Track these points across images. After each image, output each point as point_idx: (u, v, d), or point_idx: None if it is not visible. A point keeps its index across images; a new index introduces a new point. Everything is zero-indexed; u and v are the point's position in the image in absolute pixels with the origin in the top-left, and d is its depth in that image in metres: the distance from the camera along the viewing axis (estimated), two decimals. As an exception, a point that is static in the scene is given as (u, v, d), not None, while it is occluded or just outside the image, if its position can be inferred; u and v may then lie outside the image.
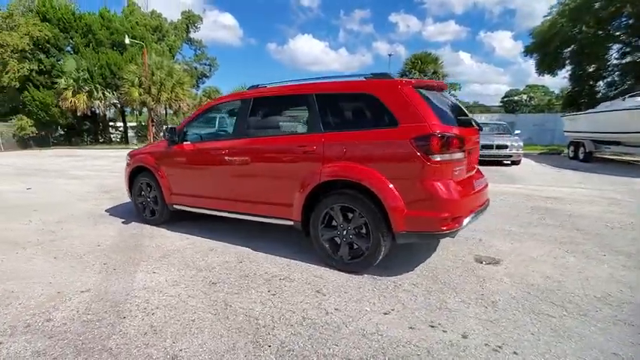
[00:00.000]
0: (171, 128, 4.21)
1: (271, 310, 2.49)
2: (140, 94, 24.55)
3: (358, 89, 3.10)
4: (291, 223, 3.37)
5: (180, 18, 41.33)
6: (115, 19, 27.71)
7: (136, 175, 4.80)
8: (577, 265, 3.21)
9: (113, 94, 25.39)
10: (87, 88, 23.56)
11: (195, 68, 43.35)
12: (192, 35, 42.99)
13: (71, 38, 25.28)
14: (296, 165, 3.26)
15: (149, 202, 4.70)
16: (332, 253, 3.17)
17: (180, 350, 2.05)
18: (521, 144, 10.80)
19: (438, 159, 2.71)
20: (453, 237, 2.99)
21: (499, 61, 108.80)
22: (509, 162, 11.11)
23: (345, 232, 3.07)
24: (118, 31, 26.74)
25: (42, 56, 23.66)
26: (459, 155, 2.86)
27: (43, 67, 23.82)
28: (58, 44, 24.81)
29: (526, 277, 2.97)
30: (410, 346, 2.06)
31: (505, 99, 53.60)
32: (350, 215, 3.04)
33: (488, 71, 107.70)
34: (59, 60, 24.15)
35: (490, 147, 10.79)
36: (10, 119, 23.46)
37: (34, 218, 5.10)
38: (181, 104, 26.37)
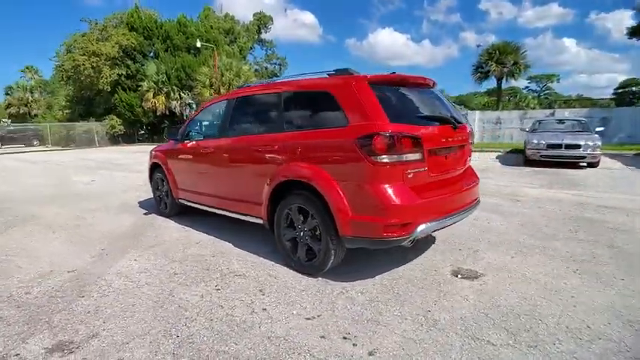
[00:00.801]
0: (170, 127, 4.62)
1: (205, 303, 2.64)
2: (210, 95, 26.82)
3: (317, 87, 3.08)
4: (262, 221, 3.48)
5: (252, 19, 43.91)
6: (191, 24, 30.59)
7: (154, 170, 5.36)
8: (574, 289, 2.76)
9: (188, 94, 28.12)
10: (165, 90, 26.48)
11: (266, 68, 45.69)
12: (263, 36, 45.37)
13: (153, 45, 28.59)
14: (263, 164, 3.35)
15: (163, 195, 5.22)
16: (291, 254, 3.20)
17: (104, 330, 2.31)
18: (599, 143, 9.34)
19: (385, 160, 2.57)
20: (410, 245, 2.79)
21: (614, 47, 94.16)
22: (584, 164, 9.71)
23: (302, 234, 3.08)
24: (192, 35, 29.49)
25: (129, 62, 27.22)
26: (413, 156, 2.67)
27: (129, 71, 27.38)
28: (142, 50, 28.29)
29: (497, 297, 2.65)
30: (305, 355, 2.03)
31: (620, 90, 46.49)
32: (307, 217, 3.04)
33: (600, 59, 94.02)
34: (143, 65, 27.50)
35: (558, 147, 9.57)
36: (104, 119, 27.44)
37: (78, 206, 6.00)
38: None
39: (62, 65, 25.69)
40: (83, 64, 23.86)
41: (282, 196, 3.20)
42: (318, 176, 2.84)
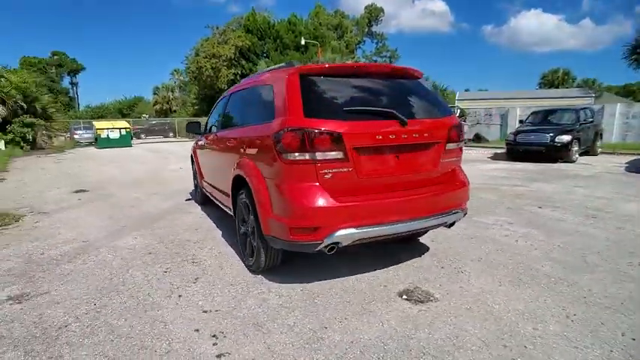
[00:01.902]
0: (190, 122, 5.18)
1: (142, 282, 2.96)
2: (313, 90, 28.31)
3: (264, 82, 3.07)
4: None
5: (362, 13, 44.27)
6: (300, 23, 32.65)
7: (192, 161, 6.07)
8: (543, 342, 2.16)
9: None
10: (272, 87, 29.01)
11: (376, 61, 45.59)
12: (374, 29, 45.34)
13: (265, 45, 31.52)
14: (230, 158, 3.52)
15: (196, 184, 5.88)
16: (242, 248, 3.30)
17: (55, 290, 2.83)
18: None
19: (295, 158, 2.45)
20: (329, 253, 2.57)
21: None
22: None
23: (249, 229, 3.15)
24: (301, 33, 31.44)
25: (243, 62, 30.65)
26: (330, 155, 2.45)
27: (244, 71, 30.81)
28: (255, 51, 31.50)
29: (423, 329, 2.26)
30: (163, 343, 2.14)
31: None
32: (249, 212, 3.09)
33: None
34: (255, 64, 30.61)
35: None
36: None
37: (147, 190, 7.18)
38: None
39: (189, 67, 30.51)
40: (205, 66, 27.86)
41: (239, 191, 3.32)
42: (250, 173, 2.87)
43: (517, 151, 10.72)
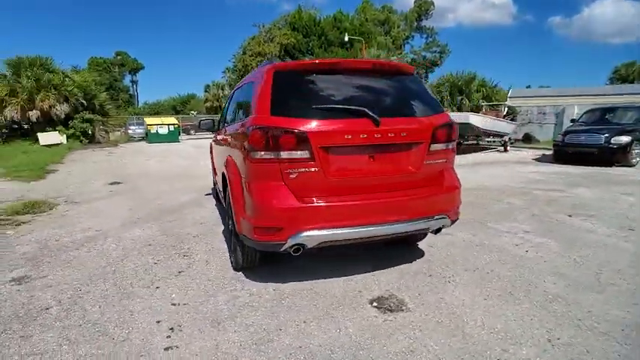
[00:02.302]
0: (202, 120, 5.35)
1: (130, 272, 3.12)
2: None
3: (250, 78, 3.09)
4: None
5: (412, 7, 43.04)
6: (346, 19, 32.49)
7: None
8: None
9: (335, 87, 30.22)
10: (314, 84, 29.22)
11: (424, 57, 44.15)
12: (423, 23, 43.91)
13: (309, 42, 31.77)
14: (223, 157, 3.58)
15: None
16: (228, 245, 3.37)
17: (53, 275, 3.08)
18: None
19: (260, 157, 2.44)
20: (295, 254, 2.52)
21: None
22: None
23: (230, 227, 3.19)
24: (346, 30, 31.29)
25: (287, 59, 31.12)
26: (295, 154, 2.41)
27: (288, 68, 31.29)
28: (300, 48, 31.86)
29: (379, 339, 2.16)
30: (122, 331, 2.24)
31: None
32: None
33: None
34: (299, 62, 31.02)
35: None
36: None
37: (175, 185, 7.54)
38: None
39: (236, 65, 31.62)
40: (250, 64, 28.70)
41: (226, 189, 3.38)
42: (230, 171, 2.92)
43: (565, 152, 9.84)
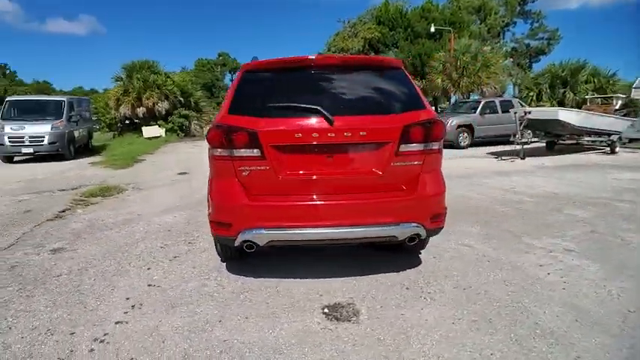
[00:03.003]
0: None
1: (136, 252, 3.51)
2: (442, 81, 26.46)
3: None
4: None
5: (515, -11, 38.79)
6: (435, 9, 30.73)
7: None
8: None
9: (420, 81, 28.89)
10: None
11: (527, 45, 39.60)
12: (529, 7, 39.30)
13: (395, 35, 30.87)
14: None
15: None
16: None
17: (81, 249, 3.63)
18: None
19: (218, 154, 2.55)
20: (250, 251, 2.55)
21: None
22: None
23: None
24: (435, 20, 29.63)
25: (372, 53, 30.70)
26: (246, 152, 2.46)
27: (371, 63, 30.94)
28: (385, 41, 31.18)
29: (302, 345, 2.09)
30: (96, 302, 2.55)
31: None
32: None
33: None
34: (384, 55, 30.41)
35: None
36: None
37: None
38: (484, 89, 25.89)
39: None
40: (333, 61, 29.12)
41: None
42: (209, 165, 3.08)
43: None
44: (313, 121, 2.43)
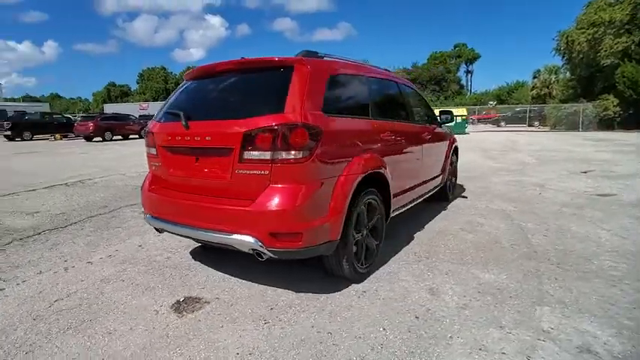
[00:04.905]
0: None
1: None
2: None
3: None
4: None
5: None
6: None
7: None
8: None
9: None
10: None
11: None
12: None
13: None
14: None
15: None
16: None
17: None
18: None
19: (147, 150, 3.07)
20: (160, 234, 2.99)
21: None
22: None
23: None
24: None
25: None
26: (150, 150, 2.95)
27: (644, 37, 22.50)
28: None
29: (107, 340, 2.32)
30: (81, 263, 3.57)
31: None
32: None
33: None
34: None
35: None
36: (598, 99, 24.99)
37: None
38: None
39: (559, 45, 26.23)
40: (577, 39, 23.09)
41: None
42: None
43: None
44: (176, 125, 2.65)
